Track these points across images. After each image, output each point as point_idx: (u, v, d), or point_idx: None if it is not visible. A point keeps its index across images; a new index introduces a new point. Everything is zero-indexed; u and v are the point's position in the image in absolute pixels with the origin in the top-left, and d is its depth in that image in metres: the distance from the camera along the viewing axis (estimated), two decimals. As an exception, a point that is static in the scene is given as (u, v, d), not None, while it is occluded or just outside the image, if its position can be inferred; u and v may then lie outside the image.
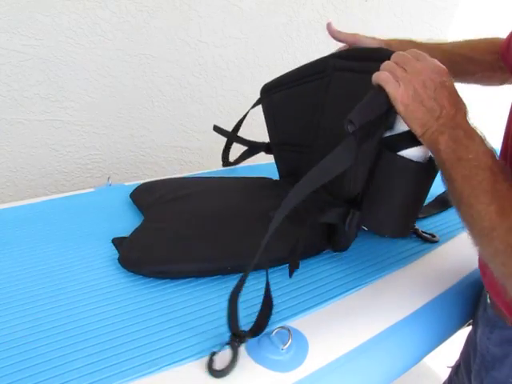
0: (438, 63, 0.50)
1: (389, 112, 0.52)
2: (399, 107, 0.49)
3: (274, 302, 0.56)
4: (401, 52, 0.52)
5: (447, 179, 0.48)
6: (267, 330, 0.51)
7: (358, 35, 0.71)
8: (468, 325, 0.71)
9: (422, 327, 0.61)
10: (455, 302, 0.67)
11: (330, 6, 1.51)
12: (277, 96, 0.81)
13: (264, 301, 0.53)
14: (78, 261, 0.63)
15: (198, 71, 1.34)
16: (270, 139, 0.88)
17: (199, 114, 1.41)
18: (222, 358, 0.47)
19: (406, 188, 0.58)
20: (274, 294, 0.57)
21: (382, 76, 0.50)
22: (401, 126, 0.55)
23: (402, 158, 0.55)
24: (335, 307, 0.57)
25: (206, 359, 0.47)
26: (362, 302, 0.59)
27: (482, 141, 0.47)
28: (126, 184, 0.90)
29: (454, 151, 0.46)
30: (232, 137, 0.95)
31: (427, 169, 0.56)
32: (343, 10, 1.55)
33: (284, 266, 0.63)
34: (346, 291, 0.59)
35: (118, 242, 0.67)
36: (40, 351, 0.47)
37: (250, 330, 0.50)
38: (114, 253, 0.66)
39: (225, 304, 0.48)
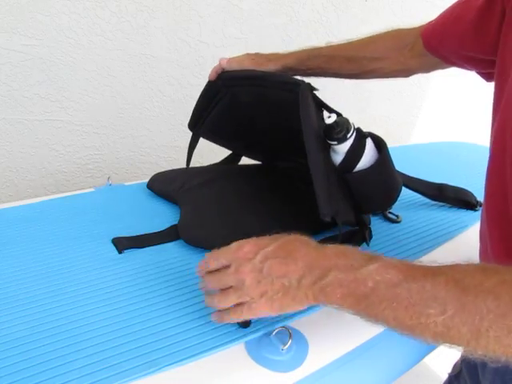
0: (248, 248, 0.46)
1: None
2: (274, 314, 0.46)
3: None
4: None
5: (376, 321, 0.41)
6: (267, 329, 0.51)
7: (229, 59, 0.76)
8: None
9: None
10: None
11: (330, 6, 1.52)
12: (205, 125, 0.86)
13: None
14: (78, 261, 0.63)
15: (198, 71, 1.34)
16: (233, 150, 0.98)
17: (199, 114, 1.41)
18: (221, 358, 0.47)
19: (379, 183, 0.66)
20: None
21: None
22: (337, 156, 0.63)
23: (359, 171, 0.63)
24: (335, 307, 0.57)
25: (206, 359, 0.47)
26: (362, 302, 0.59)
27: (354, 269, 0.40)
28: (126, 184, 0.90)
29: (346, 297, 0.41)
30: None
31: (380, 162, 0.64)
32: (343, 10, 1.55)
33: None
34: (346, 291, 0.59)
35: (117, 242, 0.68)
36: (40, 351, 0.47)
37: None
38: (114, 253, 0.66)
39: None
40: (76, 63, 1.15)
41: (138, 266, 0.63)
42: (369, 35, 0.80)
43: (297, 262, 0.43)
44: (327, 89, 1.80)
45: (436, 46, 0.70)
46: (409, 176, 0.88)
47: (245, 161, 1.00)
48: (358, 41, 0.81)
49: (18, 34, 1.05)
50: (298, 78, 0.68)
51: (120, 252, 0.66)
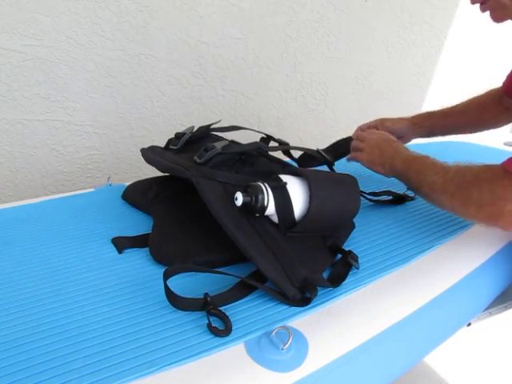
0: (384, 133, 0.89)
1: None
2: (366, 164, 0.84)
3: (275, 302, 0.56)
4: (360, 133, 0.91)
5: (412, 181, 0.75)
6: (267, 329, 0.51)
7: (383, 119, 1.01)
8: (468, 325, 0.71)
9: (422, 327, 0.61)
10: (455, 303, 0.67)
11: (330, 5, 1.52)
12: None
13: (240, 283, 0.57)
14: (78, 261, 0.63)
15: (198, 71, 1.34)
16: None
17: (199, 114, 1.41)
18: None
19: (330, 211, 0.63)
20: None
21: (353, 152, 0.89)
22: (273, 217, 0.61)
23: (304, 219, 0.60)
24: (335, 307, 0.57)
25: (206, 359, 0.47)
26: (362, 302, 0.59)
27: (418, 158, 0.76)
28: (126, 184, 0.90)
29: (407, 167, 0.76)
30: None
31: (314, 197, 0.59)
32: (343, 10, 1.55)
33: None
34: (346, 291, 0.59)
35: (117, 242, 0.68)
36: (40, 351, 0.47)
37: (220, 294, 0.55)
38: (114, 253, 0.66)
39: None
40: (76, 63, 1.15)
41: (138, 266, 0.63)
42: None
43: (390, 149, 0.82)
44: (327, 88, 1.80)
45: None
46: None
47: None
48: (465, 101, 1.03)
49: (18, 34, 1.05)
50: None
51: (120, 252, 0.66)
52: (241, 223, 0.59)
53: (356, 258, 0.65)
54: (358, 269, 0.63)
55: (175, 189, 0.80)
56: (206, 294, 0.53)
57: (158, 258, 0.64)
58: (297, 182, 0.61)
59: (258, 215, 0.59)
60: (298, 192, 0.60)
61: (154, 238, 0.68)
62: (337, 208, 0.63)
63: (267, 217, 0.61)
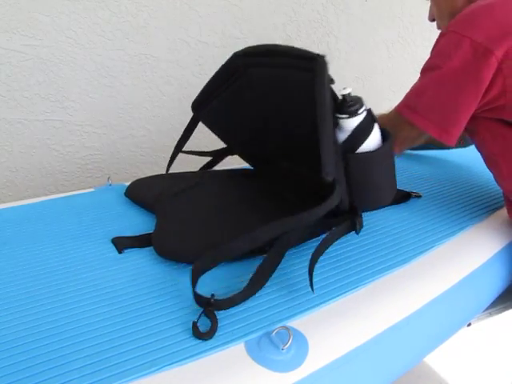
0: None
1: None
2: None
3: (275, 302, 0.56)
4: None
5: None
6: (267, 329, 0.51)
7: None
8: (468, 325, 0.71)
9: (422, 327, 0.61)
10: (455, 303, 0.67)
11: (330, 5, 1.52)
12: (209, 108, 0.84)
13: (255, 278, 0.56)
14: (78, 261, 0.63)
15: (198, 71, 1.34)
16: (226, 144, 0.94)
17: (199, 114, 1.41)
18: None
19: (379, 172, 0.66)
20: (273, 294, 0.58)
21: None
22: (342, 134, 0.64)
23: (363, 153, 0.63)
24: (335, 307, 0.57)
25: (206, 359, 0.47)
26: (362, 302, 0.59)
27: None
28: (126, 184, 0.90)
29: None
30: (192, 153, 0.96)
31: (384, 150, 0.65)
32: (343, 10, 1.55)
33: (283, 262, 0.64)
34: (346, 291, 0.59)
35: (117, 242, 0.68)
36: (40, 351, 0.47)
37: (223, 300, 0.53)
38: (114, 253, 0.66)
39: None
40: (76, 63, 1.15)
41: (138, 266, 0.63)
42: None
43: None
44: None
45: None
46: None
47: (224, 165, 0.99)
48: None
49: (18, 34, 1.05)
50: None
51: (120, 252, 0.66)
52: (330, 113, 0.61)
53: (361, 226, 0.69)
54: (357, 234, 0.68)
55: (180, 187, 0.82)
56: (212, 296, 0.53)
57: (162, 254, 0.65)
58: (379, 132, 0.65)
59: (341, 117, 0.62)
60: (375, 135, 0.64)
61: (159, 234, 0.69)
62: (381, 180, 0.67)
63: None
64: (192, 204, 0.78)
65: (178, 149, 0.90)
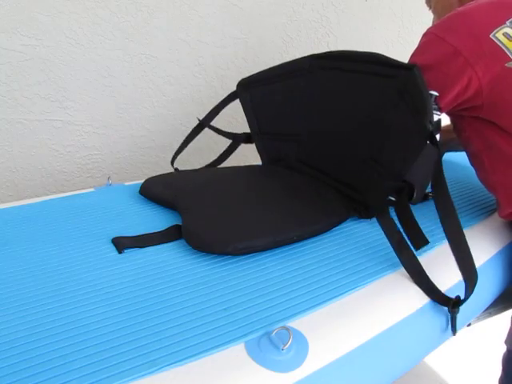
0: None
1: None
2: None
3: (275, 302, 0.56)
4: None
5: None
6: (267, 329, 0.51)
7: None
8: (468, 325, 0.71)
9: (423, 327, 0.61)
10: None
11: (330, 5, 1.51)
12: (257, 90, 0.88)
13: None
14: (78, 261, 0.63)
15: (198, 71, 1.34)
16: (252, 129, 0.97)
17: (199, 114, 1.41)
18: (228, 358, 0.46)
19: (429, 167, 0.67)
20: (273, 295, 0.58)
21: None
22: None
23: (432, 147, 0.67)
24: (335, 307, 0.57)
25: (206, 359, 0.47)
26: (362, 302, 0.59)
27: None
28: (126, 184, 0.90)
29: None
30: (218, 131, 1.01)
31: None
32: (343, 10, 1.55)
33: (283, 262, 0.64)
34: (346, 291, 0.59)
35: (117, 242, 0.68)
36: (40, 351, 0.47)
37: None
38: (114, 253, 0.66)
39: (221, 305, 0.48)
40: (76, 63, 1.15)
41: (138, 266, 0.63)
42: None
43: None
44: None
45: None
46: None
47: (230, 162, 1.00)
48: None
49: (18, 34, 1.05)
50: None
51: (120, 252, 0.66)
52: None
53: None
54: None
55: (199, 183, 0.85)
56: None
57: (195, 245, 0.66)
58: None
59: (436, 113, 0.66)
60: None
61: (189, 227, 0.70)
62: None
63: None
64: (218, 197, 0.80)
65: (209, 119, 0.95)
